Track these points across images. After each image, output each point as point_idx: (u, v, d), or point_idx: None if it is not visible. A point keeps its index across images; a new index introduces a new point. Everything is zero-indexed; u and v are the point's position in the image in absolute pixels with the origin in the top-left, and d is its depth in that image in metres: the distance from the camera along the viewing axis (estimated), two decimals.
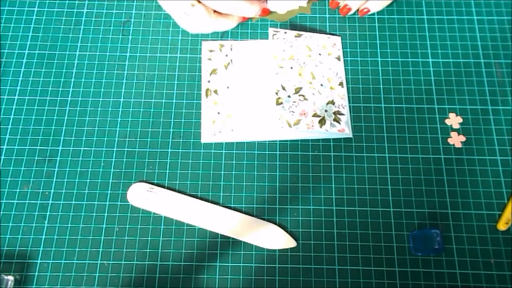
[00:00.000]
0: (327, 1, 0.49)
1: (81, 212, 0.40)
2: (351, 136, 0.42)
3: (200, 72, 0.45)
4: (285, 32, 0.46)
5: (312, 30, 0.47)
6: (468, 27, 0.47)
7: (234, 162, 0.42)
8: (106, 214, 0.40)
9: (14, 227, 0.39)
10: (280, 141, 0.42)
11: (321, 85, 0.44)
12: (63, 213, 0.40)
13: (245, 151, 0.42)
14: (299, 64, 0.44)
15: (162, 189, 0.40)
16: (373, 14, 0.48)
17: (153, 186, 0.40)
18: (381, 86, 0.45)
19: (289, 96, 0.42)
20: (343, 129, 0.42)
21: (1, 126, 0.43)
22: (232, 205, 0.40)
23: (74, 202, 0.40)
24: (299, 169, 0.41)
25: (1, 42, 0.46)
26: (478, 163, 0.41)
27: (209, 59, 0.46)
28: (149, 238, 0.39)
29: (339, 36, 0.47)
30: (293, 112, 0.42)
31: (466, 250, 0.38)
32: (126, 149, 0.42)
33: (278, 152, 0.42)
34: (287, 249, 0.39)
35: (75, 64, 0.45)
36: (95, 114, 0.43)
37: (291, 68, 0.44)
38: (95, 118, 0.43)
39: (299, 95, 0.43)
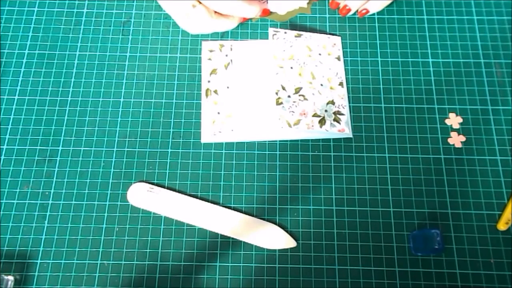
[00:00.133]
0: (327, 1, 0.49)
1: (81, 212, 0.40)
2: (351, 136, 0.42)
3: (200, 72, 0.45)
4: (285, 32, 0.46)
5: (312, 30, 0.47)
6: (468, 27, 0.47)
7: (234, 162, 0.42)
8: (106, 214, 0.40)
9: (14, 227, 0.39)
10: (280, 141, 0.42)
11: (321, 85, 0.44)
12: (63, 213, 0.40)
13: (245, 151, 0.42)
14: (299, 64, 0.44)
15: (162, 189, 0.40)
16: (373, 14, 0.48)
17: (153, 186, 0.40)
18: (381, 86, 0.45)
19: (289, 96, 0.42)
20: (343, 129, 0.42)
21: (1, 126, 0.43)
22: (232, 205, 0.40)
23: (74, 202, 0.40)
24: (299, 169, 0.41)
25: (1, 42, 0.46)
26: (478, 163, 0.41)
27: (209, 59, 0.46)
28: (149, 238, 0.39)
29: (339, 36, 0.47)
30: (293, 112, 0.42)
31: (466, 250, 0.38)
32: (126, 149, 0.42)
33: (278, 152, 0.42)
34: (287, 249, 0.39)
35: (75, 64, 0.45)
36: (95, 114, 0.43)
37: (291, 68, 0.44)
38: (95, 118, 0.43)
39: (299, 95, 0.43)
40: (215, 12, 0.44)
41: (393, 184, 0.41)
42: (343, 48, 0.46)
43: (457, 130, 0.43)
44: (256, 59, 0.46)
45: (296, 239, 0.39)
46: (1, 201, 0.40)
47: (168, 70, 0.45)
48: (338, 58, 0.46)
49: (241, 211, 0.40)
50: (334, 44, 0.46)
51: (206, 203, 0.40)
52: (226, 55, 0.46)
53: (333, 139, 0.42)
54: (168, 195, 0.40)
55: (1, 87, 0.44)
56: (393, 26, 0.47)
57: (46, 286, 0.37)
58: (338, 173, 0.41)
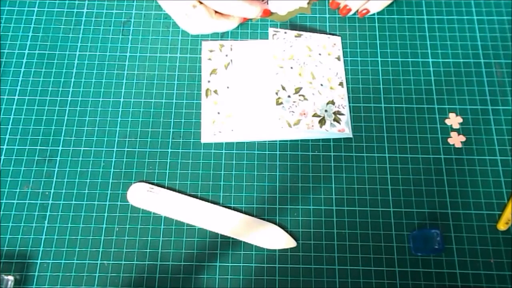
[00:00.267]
0: (327, 1, 0.49)
1: (81, 212, 0.40)
2: (351, 136, 0.42)
3: (200, 72, 0.45)
4: (285, 32, 0.46)
5: (312, 30, 0.47)
6: (468, 27, 0.47)
7: (234, 162, 0.42)
8: (106, 214, 0.40)
9: (14, 227, 0.39)
10: (280, 141, 0.42)
11: (321, 85, 0.44)
12: (63, 213, 0.40)
13: (245, 151, 0.42)
14: (299, 64, 0.44)
15: (162, 189, 0.40)
16: (373, 14, 0.48)
17: (153, 186, 0.40)
18: (381, 86, 0.45)
19: (289, 96, 0.42)
20: (343, 129, 0.42)
21: (1, 126, 0.43)
22: (232, 205, 0.40)
23: (74, 202, 0.40)
24: (299, 169, 0.41)
25: (1, 42, 0.46)
26: (478, 163, 0.41)
27: (209, 59, 0.46)
28: (149, 238, 0.39)
29: (339, 36, 0.47)
30: (293, 112, 0.42)
31: (466, 250, 0.38)
32: (126, 149, 0.42)
33: (278, 152, 0.42)
34: (287, 249, 0.39)
35: (75, 64, 0.45)
36: (95, 114, 0.43)
37: (291, 68, 0.44)
38: (95, 118, 0.43)
39: (299, 95, 0.43)
40: (216, 12, 0.44)
41: (393, 184, 0.41)
42: (343, 48, 0.46)
43: (457, 130, 0.43)
44: (256, 59, 0.46)
45: (296, 239, 0.39)
46: (1, 201, 0.40)
47: (168, 70, 0.45)
48: (338, 58, 0.46)
49: (241, 211, 0.40)
50: (334, 44, 0.46)
51: (206, 203, 0.40)
52: (226, 55, 0.46)
53: (333, 139, 0.42)
54: (168, 195, 0.40)
55: (1, 87, 0.44)
56: (393, 26, 0.47)
57: (46, 286, 0.37)
58: (338, 173, 0.41)
